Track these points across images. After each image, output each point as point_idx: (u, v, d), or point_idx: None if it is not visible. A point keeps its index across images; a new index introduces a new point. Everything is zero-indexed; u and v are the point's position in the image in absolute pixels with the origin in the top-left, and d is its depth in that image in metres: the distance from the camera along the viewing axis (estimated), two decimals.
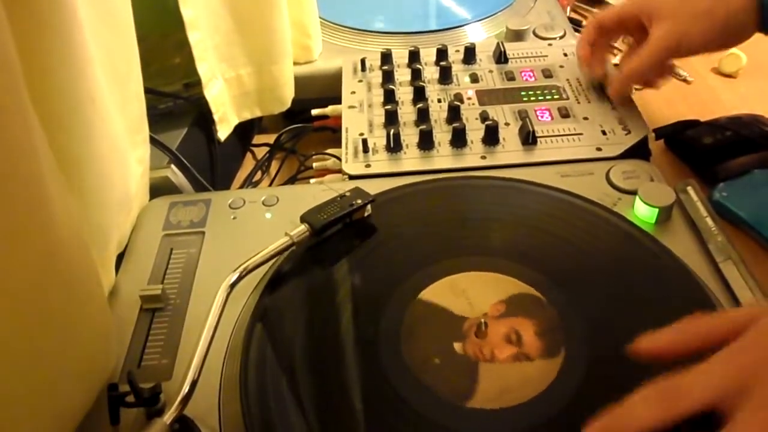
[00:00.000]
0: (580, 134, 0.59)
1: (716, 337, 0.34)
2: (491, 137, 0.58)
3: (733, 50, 0.77)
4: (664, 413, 0.32)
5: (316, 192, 0.53)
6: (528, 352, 0.41)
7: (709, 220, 0.49)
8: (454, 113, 0.61)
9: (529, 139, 0.58)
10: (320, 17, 0.75)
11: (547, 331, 0.42)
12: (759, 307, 0.34)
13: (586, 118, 0.61)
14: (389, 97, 0.64)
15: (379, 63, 0.70)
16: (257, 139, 0.76)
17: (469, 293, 0.45)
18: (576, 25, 0.88)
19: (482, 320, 0.43)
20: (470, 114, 0.62)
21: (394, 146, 0.58)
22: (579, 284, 0.46)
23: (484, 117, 0.61)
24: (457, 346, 0.42)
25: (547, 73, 0.67)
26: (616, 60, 0.70)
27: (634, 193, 0.51)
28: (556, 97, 0.64)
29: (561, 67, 0.68)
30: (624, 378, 0.35)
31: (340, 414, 0.39)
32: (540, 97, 0.64)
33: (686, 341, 0.35)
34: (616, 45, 0.73)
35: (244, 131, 0.72)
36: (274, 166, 0.72)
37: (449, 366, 0.41)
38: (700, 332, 0.35)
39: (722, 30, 0.55)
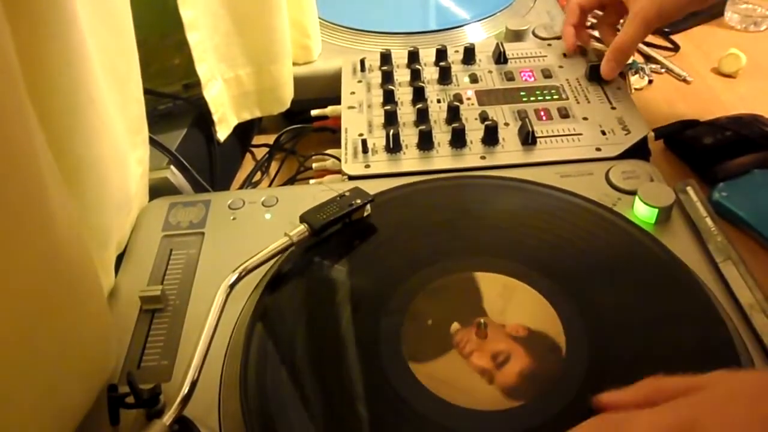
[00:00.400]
0: (580, 134, 0.59)
1: (672, 394, 0.35)
2: (491, 137, 0.58)
3: (733, 50, 0.77)
4: None
5: (316, 192, 0.53)
6: (496, 378, 0.40)
7: (708, 220, 0.49)
8: (453, 113, 0.61)
9: (528, 139, 0.58)
10: (320, 17, 0.75)
11: (533, 377, 0.40)
12: (716, 375, 0.36)
13: (585, 118, 0.61)
14: (389, 97, 0.64)
15: (378, 63, 0.70)
16: (257, 139, 0.76)
17: (512, 301, 0.45)
18: None
19: (483, 320, 0.43)
20: (470, 114, 0.62)
21: (394, 147, 0.58)
22: (580, 288, 0.45)
23: (483, 117, 0.61)
24: (455, 326, 0.43)
25: (547, 74, 0.67)
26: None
27: (633, 193, 0.51)
28: (555, 97, 0.64)
29: (560, 67, 0.68)
30: None
31: (340, 413, 0.39)
32: (539, 98, 0.64)
33: (649, 395, 0.36)
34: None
35: (244, 132, 0.72)
36: (274, 166, 0.72)
37: (432, 332, 0.43)
38: (661, 389, 0.35)
39: None
